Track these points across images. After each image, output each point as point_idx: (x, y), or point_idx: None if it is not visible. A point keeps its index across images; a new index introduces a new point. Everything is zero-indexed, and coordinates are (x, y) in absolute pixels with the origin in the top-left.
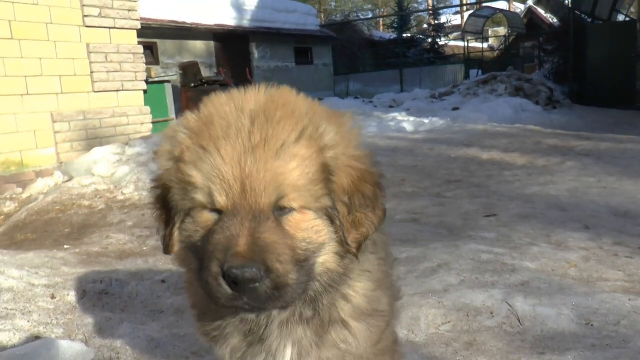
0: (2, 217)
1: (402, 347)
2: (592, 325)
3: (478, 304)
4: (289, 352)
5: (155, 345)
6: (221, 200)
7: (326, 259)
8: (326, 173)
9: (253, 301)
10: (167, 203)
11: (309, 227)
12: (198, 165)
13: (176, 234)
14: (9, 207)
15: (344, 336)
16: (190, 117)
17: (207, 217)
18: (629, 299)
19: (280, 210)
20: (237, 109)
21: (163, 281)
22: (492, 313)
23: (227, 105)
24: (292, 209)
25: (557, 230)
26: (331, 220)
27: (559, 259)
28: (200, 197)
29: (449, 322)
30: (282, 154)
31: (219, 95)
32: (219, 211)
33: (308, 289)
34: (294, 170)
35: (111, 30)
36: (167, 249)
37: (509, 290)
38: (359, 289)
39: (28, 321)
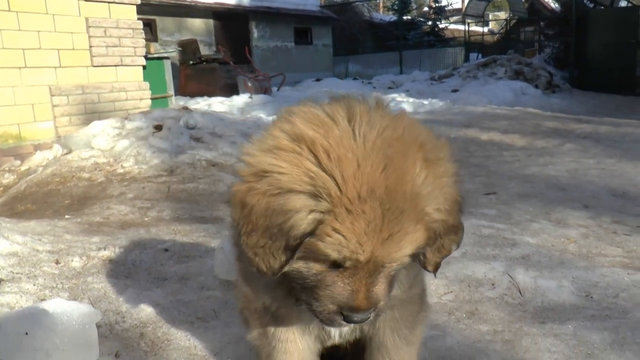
0: (1, 188)
1: (429, 300)
2: (591, 297)
3: (479, 275)
4: None
5: (160, 310)
6: (348, 265)
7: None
8: (434, 234)
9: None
10: (281, 244)
11: (397, 268)
12: (338, 249)
13: (288, 265)
14: (8, 179)
15: None
16: (331, 187)
17: (321, 268)
18: (628, 273)
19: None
20: (370, 193)
21: (166, 250)
22: (493, 284)
23: (361, 186)
24: None
25: (557, 209)
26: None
27: (558, 235)
28: (330, 262)
29: (451, 292)
30: (402, 242)
31: (364, 153)
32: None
33: None
34: (408, 248)
35: (110, 4)
36: (273, 272)
37: (510, 262)
38: None
39: (34, 284)
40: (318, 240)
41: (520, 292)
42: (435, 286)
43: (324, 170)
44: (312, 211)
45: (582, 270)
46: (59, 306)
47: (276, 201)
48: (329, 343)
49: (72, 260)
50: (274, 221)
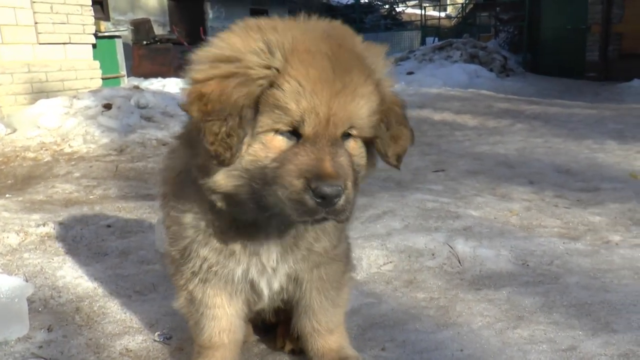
0: None
1: (355, 262)
2: (527, 265)
3: (420, 246)
4: (274, 248)
5: (99, 285)
6: (308, 129)
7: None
8: (382, 102)
9: (331, 214)
10: (236, 116)
11: (358, 153)
12: (297, 99)
13: (244, 149)
14: None
15: (317, 235)
16: (285, 42)
17: (281, 143)
18: (563, 242)
19: (344, 136)
20: (320, 51)
21: (109, 226)
22: (433, 254)
23: (310, 44)
24: (350, 136)
25: (503, 185)
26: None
27: (502, 208)
28: (288, 121)
29: (391, 262)
30: (355, 96)
31: (289, 24)
32: (293, 137)
33: None
34: (363, 106)
35: None
36: (229, 160)
37: (451, 234)
38: None
39: None
40: (276, 89)
41: (459, 262)
42: (375, 257)
43: (275, 35)
44: (267, 65)
45: (521, 240)
46: None
47: (229, 79)
48: (257, 307)
49: (7, 237)
50: (228, 99)
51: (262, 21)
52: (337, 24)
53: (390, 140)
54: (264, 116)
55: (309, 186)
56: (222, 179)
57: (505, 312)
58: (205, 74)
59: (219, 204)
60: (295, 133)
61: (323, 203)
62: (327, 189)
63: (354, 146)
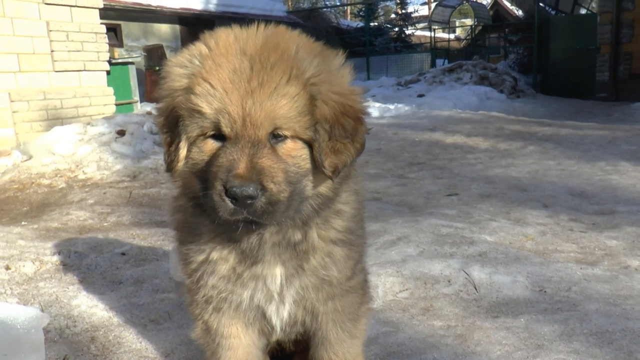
0: None
1: (371, 291)
2: (545, 291)
3: (436, 272)
4: (278, 271)
5: (114, 314)
6: (226, 130)
7: (317, 183)
8: (312, 104)
9: (251, 215)
10: (174, 126)
11: (298, 155)
12: (209, 100)
13: (182, 152)
14: None
15: (325, 262)
16: (202, 49)
17: (212, 146)
18: (581, 268)
19: (275, 138)
20: (241, 52)
21: (123, 254)
22: (449, 281)
23: (233, 46)
24: (285, 137)
25: (517, 208)
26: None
27: (516, 232)
28: (208, 124)
29: (407, 289)
30: (274, 95)
31: (227, 32)
32: (222, 139)
33: (301, 210)
34: (284, 106)
35: (72, 8)
36: (171, 164)
37: (467, 260)
38: (351, 205)
39: None
40: (191, 94)
41: (475, 288)
42: (391, 284)
43: (201, 43)
44: (186, 71)
45: (537, 266)
46: (3, 310)
47: (167, 93)
48: (273, 337)
49: (23, 266)
50: (163, 112)
51: (212, 32)
52: (283, 28)
53: (329, 150)
54: (191, 122)
55: (224, 187)
56: (179, 184)
57: (524, 340)
58: (162, 89)
59: (193, 210)
60: (221, 135)
61: (238, 204)
62: (236, 190)
63: (292, 147)
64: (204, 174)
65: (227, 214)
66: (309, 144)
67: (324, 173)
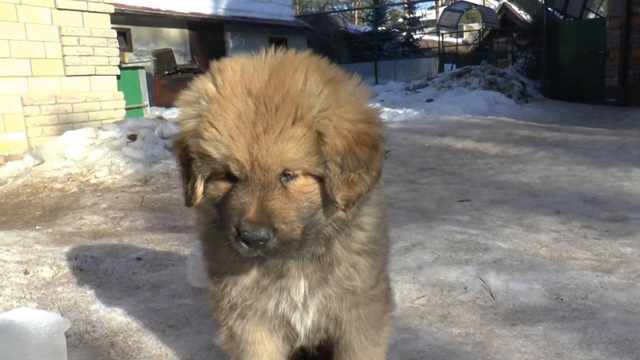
0: None
1: (394, 298)
2: (561, 299)
3: (452, 279)
4: (302, 283)
5: (132, 319)
6: (236, 173)
7: (332, 211)
8: (321, 141)
9: (266, 254)
10: (188, 165)
11: (310, 190)
12: (217, 146)
13: (199, 190)
14: None
15: (349, 273)
16: (209, 88)
17: (226, 185)
18: (596, 276)
19: (286, 176)
20: (246, 91)
21: (139, 259)
22: (465, 288)
23: (239, 86)
24: (295, 175)
25: (529, 214)
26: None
27: (530, 239)
28: (219, 167)
29: (424, 296)
30: (279, 139)
31: (234, 64)
32: (235, 180)
33: (320, 234)
34: (291, 149)
35: (83, 13)
36: (189, 202)
37: (482, 267)
38: (373, 215)
39: (0, 295)
40: (199, 138)
41: (492, 295)
42: (408, 291)
43: (210, 81)
44: (194, 111)
45: (553, 273)
46: (26, 315)
47: (179, 131)
48: (297, 344)
49: (41, 270)
50: (180, 148)
51: (221, 62)
52: (291, 55)
53: (342, 183)
54: (202, 163)
55: (237, 229)
56: (200, 212)
57: (543, 348)
58: (176, 122)
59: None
60: (233, 176)
61: (251, 245)
62: (247, 235)
63: (304, 184)
64: (221, 207)
65: (244, 253)
66: (321, 179)
67: (336, 206)
